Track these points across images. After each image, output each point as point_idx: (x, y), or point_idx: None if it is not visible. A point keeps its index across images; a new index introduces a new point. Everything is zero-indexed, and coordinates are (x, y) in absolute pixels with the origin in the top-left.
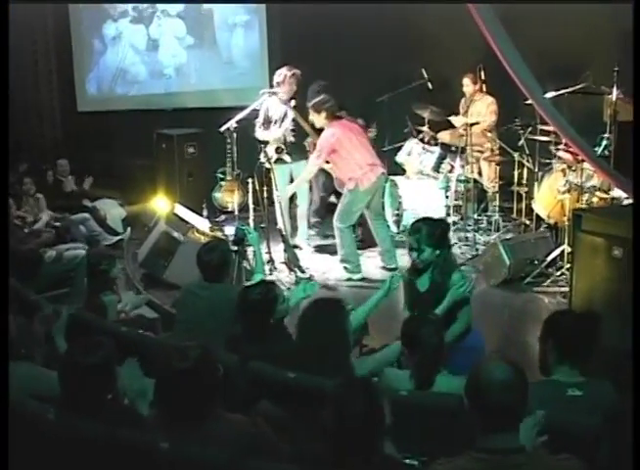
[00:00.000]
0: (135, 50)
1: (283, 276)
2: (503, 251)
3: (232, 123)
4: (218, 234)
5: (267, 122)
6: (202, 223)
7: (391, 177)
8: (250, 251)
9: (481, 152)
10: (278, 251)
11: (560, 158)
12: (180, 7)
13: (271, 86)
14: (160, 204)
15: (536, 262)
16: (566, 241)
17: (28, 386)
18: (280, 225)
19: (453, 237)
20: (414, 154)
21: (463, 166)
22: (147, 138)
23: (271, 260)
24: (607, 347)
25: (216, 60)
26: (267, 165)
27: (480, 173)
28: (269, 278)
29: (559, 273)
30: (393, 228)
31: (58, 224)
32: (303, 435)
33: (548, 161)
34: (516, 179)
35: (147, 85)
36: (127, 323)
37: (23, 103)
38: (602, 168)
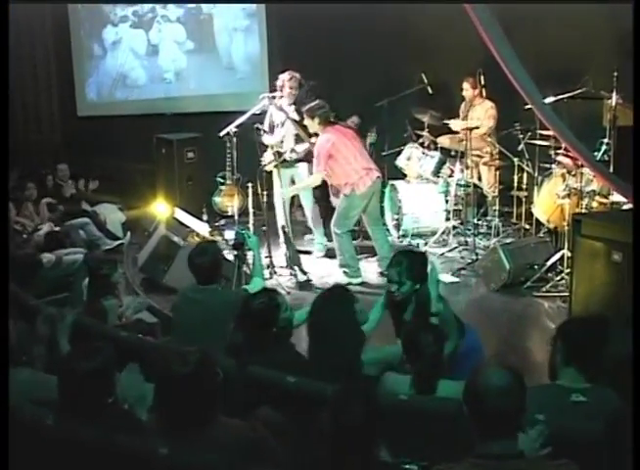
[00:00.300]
0: (135, 55)
1: (283, 280)
2: (503, 255)
3: (231, 128)
4: (218, 238)
5: (271, 127)
6: (201, 228)
7: (391, 182)
8: (250, 255)
9: (481, 156)
10: (278, 255)
11: (559, 162)
12: (180, 12)
13: (271, 91)
14: (160, 208)
15: (536, 267)
16: (565, 245)
17: (28, 391)
18: (282, 223)
19: (453, 241)
20: (414, 158)
21: (463, 171)
22: (147, 143)
23: (271, 264)
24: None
25: (216, 64)
26: (268, 168)
27: (479, 178)
28: (270, 282)
29: (559, 278)
30: (393, 233)
31: (57, 229)
32: (303, 440)
33: (548, 165)
34: (515, 184)
35: (147, 90)
36: (127, 328)
37: (23, 107)
38: (601, 173)
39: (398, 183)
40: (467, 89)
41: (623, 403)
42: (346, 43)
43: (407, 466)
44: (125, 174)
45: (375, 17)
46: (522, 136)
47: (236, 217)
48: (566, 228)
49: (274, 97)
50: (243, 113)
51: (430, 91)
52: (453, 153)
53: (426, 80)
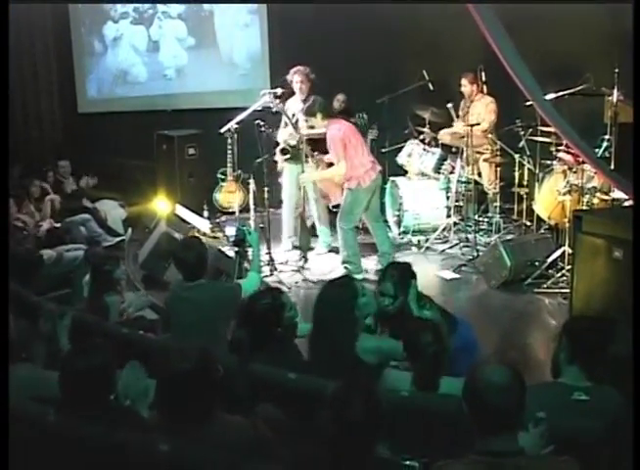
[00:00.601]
0: (136, 51)
1: (284, 277)
2: (504, 252)
3: (232, 124)
4: (219, 235)
5: (285, 124)
6: (202, 224)
7: (392, 178)
8: (250, 251)
9: (481, 153)
10: (279, 252)
11: (560, 159)
12: (181, 8)
13: (273, 87)
14: (161, 205)
15: (537, 264)
16: (566, 242)
17: (29, 388)
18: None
19: (454, 238)
20: (415, 155)
21: (463, 168)
22: (147, 139)
23: (272, 261)
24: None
25: (217, 61)
26: (280, 164)
27: (479, 174)
28: (271, 279)
29: (559, 275)
30: (394, 229)
31: (58, 225)
32: (303, 437)
33: (549, 162)
34: (516, 180)
35: (147, 87)
36: (128, 324)
37: (24, 104)
38: (602, 170)
39: (399, 180)
40: (465, 85)
41: (626, 403)
42: (347, 39)
43: (408, 463)
44: (126, 171)
45: (377, 13)
46: (523, 133)
47: (237, 214)
48: (567, 225)
49: (275, 93)
50: (244, 109)
51: (431, 88)
52: (454, 149)
53: (427, 77)
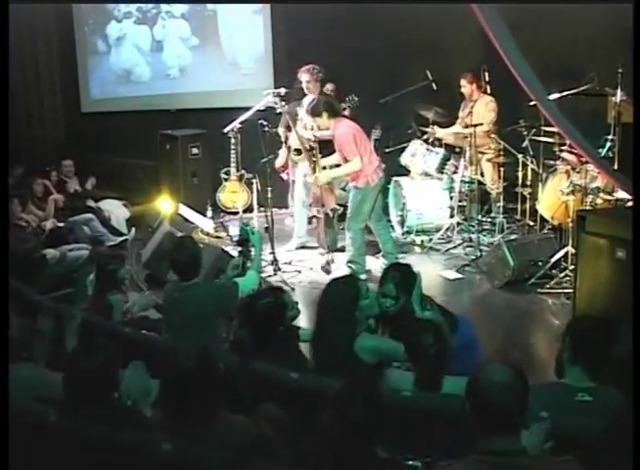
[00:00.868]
0: (139, 51)
1: (287, 276)
2: (507, 252)
3: (236, 124)
4: (222, 234)
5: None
6: (206, 224)
7: (395, 178)
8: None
9: (483, 153)
10: (282, 252)
11: (564, 159)
12: (184, 8)
13: (276, 87)
14: (165, 204)
15: (540, 264)
16: (570, 242)
17: (30, 387)
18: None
19: (457, 238)
20: (418, 155)
21: (467, 167)
22: (151, 139)
23: (275, 261)
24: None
25: (221, 61)
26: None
27: (481, 174)
28: (274, 279)
29: (563, 275)
30: (397, 229)
31: (61, 225)
32: (306, 437)
33: (552, 162)
34: (520, 180)
35: (151, 86)
36: (131, 324)
37: (27, 104)
38: (606, 170)
39: (402, 179)
40: (464, 85)
41: (628, 404)
42: (351, 39)
43: (410, 462)
44: (129, 170)
45: (380, 13)
46: (526, 133)
47: (240, 213)
48: (570, 225)
49: (279, 93)
50: (247, 109)
51: (435, 87)
52: (457, 149)
53: (430, 77)
